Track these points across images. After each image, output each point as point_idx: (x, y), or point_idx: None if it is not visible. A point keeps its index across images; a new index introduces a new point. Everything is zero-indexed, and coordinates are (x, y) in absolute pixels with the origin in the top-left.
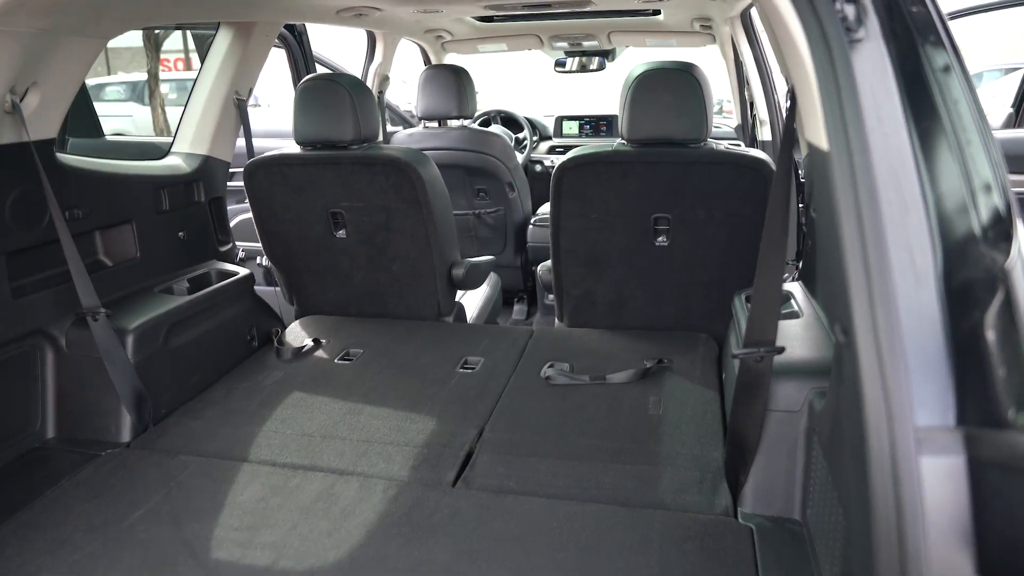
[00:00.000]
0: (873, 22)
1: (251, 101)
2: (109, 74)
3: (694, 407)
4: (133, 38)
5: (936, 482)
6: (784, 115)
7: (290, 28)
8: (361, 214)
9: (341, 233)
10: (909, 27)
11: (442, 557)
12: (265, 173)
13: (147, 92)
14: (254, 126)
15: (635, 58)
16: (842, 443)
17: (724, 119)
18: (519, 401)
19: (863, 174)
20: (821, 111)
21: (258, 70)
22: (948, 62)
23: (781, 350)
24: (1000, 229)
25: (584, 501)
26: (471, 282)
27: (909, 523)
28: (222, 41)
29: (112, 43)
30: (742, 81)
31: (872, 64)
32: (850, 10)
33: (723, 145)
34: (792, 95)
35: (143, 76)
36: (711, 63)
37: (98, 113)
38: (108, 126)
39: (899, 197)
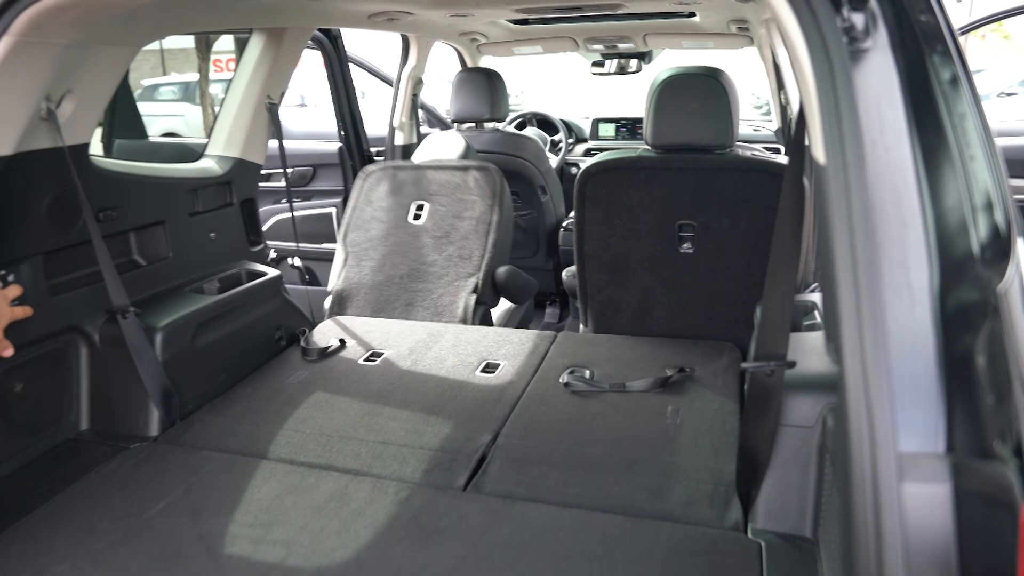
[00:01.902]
0: (882, 32)
1: (298, 101)
2: (164, 74)
3: (712, 418)
4: (186, 39)
5: (919, 510)
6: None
7: (325, 31)
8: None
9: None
10: (917, 37)
11: (446, 561)
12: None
13: (198, 92)
14: (300, 127)
15: (673, 60)
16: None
17: (766, 121)
18: (536, 407)
19: (858, 189)
20: (819, 124)
21: (289, 74)
22: (955, 74)
23: (792, 364)
24: (998, 248)
25: (592, 510)
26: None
27: (889, 550)
28: (254, 46)
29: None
30: (781, 84)
31: (878, 75)
32: (858, 19)
33: (757, 148)
34: (801, 106)
35: (195, 77)
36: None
37: (151, 113)
38: (161, 125)
39: (898, 213)
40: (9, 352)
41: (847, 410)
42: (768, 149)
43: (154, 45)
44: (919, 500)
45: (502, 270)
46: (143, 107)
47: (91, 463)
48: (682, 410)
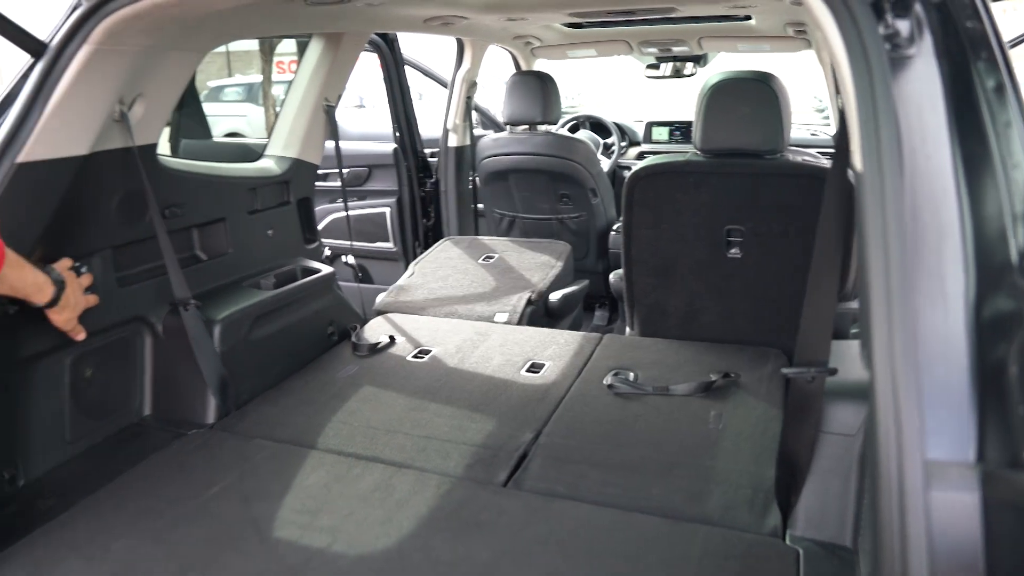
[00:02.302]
0: (927, 38)
1: (357, 102)
2: (230, 76)
3: (755, 423)
4: (251, 42)
5: (947, 518)
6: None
7: (382, 35)
8: None
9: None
10: (963, 44)
11: (483, 555)
12: None
13: (261, 93)
14: (357, 128)
15: (728, 63)
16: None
17: (825, 125)
18: (579, 407)
19: (893, 197)
20: (858, 131)
21: (346, 78)
22: (1001, 82)
23: (833, 371)
24: None
25: (630, 511)
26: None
27: (914, 556)
28: (313, 50)
29: (232, 46)
30: (839, 88)
31: (921, 83)
32: (903, 26)
33: (811, 153)
34: (842, 113)
35: (259, 78)
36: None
37: (216, 113)
38: (225, 125)
39: (936, 222)
40: (82, 336)
41: (875, 415)
42: (824, 154)
43: (220, 48)
44: (946, 508)
45: (556, 296)
46: (209, 107)
47: (152, 447)
48: (725, 415)
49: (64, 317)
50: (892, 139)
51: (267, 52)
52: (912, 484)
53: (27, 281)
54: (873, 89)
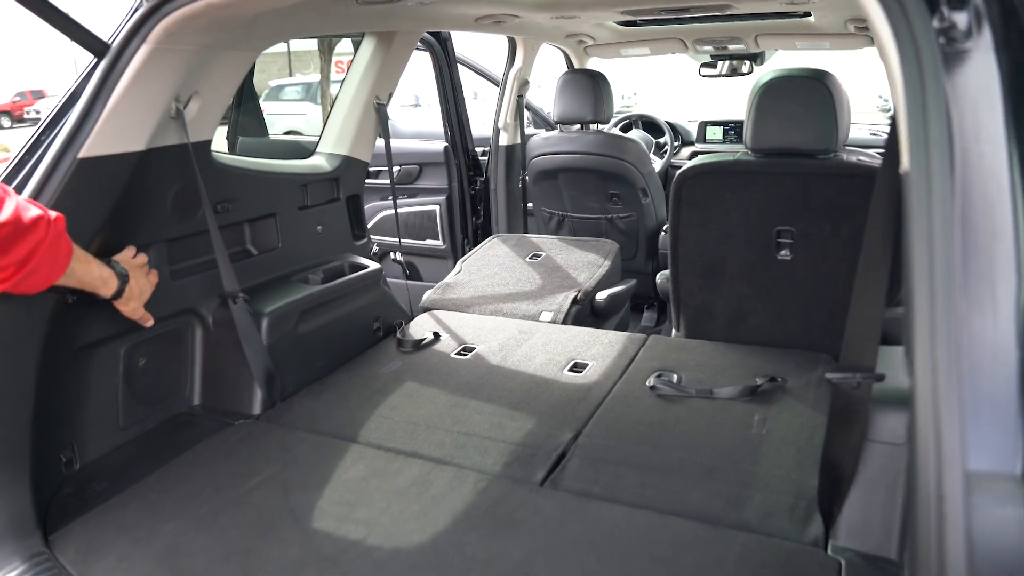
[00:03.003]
0: (986, 32)
1: (413, 101)
2: (290, 75)
3: (800, 430)
4: (311, 42)
5: (988, 532)
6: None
7: (435, 34)
8: None
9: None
10: None
11: (517, 553)
12: None
13: (319, 92)
14: (409, 126)
15: (787, 61)
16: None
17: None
18: (620, 408)
19: (941, 198)
20: (906, 129)
21: (398, 76)
22: None
23: (880, 377)
24: None
25: (667, 514)
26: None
27: (952, 572)
28: (366, 49)
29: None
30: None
31: (978, 78)
32: (960, 19)
33: (869, 153)
34: (894, 112)
35: (317, 77)
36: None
37: (276, 112)
38: (285, 123)
39: (988, 224)
40: (150, 323)
41: (915, 423)
42: (881, 154)
43: (282, 47)
44: (989, 522)
45: (603, 295)
46: (269, 106)
47: (200, 435)
48: (769, 420)
49: (131, 307)
50: (942, 136)
51: (326, 52)
52: (952, 496)
53: (93, 275)
54: (923, 84)
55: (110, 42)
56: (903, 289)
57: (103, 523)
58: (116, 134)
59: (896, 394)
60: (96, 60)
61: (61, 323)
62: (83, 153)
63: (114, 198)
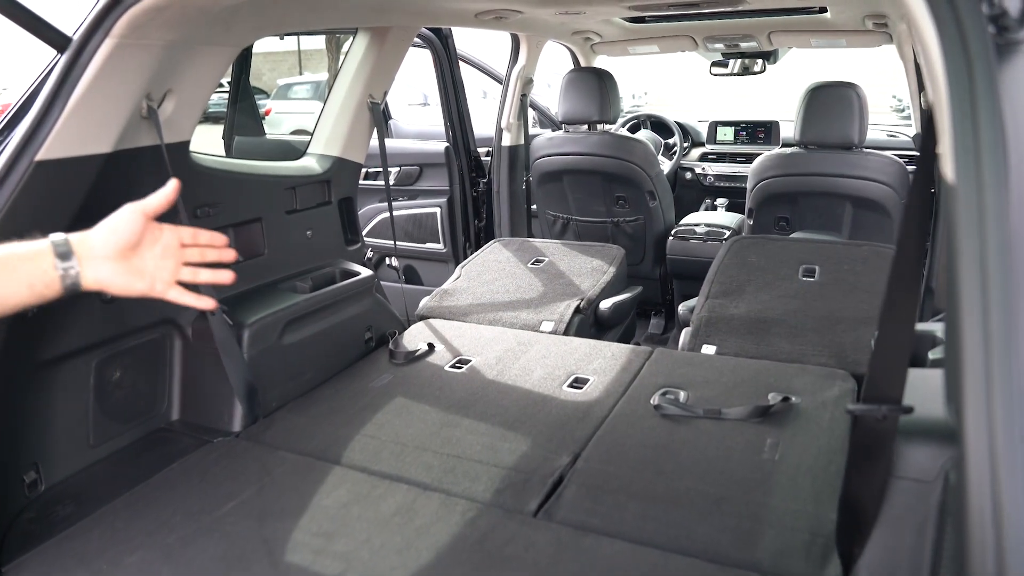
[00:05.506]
0: None
1: (421, 100)
2: (300, 74)
3: (816, 456)
4: (320, 40)
5: None
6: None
7: (436, 31)
8: None
9: None
10: None
11: None
12: None
13: (327, 91)
14: (412, 126)
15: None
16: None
17: (905, 126)
18: (622, 429)
19: (995, 213)
20: (950, 135)
21: (393, 74)
22: None
23: (909, 410)
24: None
25: (670, 551)
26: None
27: None
28: (359, 45)
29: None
30: (922, 85)
31: None
32: (1013, 4)
33: (888, 157)
34: (929, 116)
35: (326, 76)
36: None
37: (283, 111)
38: (292, 122)
39: None
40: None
41: (965, 460)
42: (901, 157)
43: (292, 46)
44: None
45: (607, 304)
46: (277, 105)
47: (176, 454)
48: (782, 444)
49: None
50: (995, 143)
51: (334, 49)
52: (1015, 543)
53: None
54: (972, 81)
55: (72, 36)
56: (947, 314)
57: (62, 553)
58: (78, 135)
59: (923, 425)
60: (57, 56)
61: (18, 337)
62: (41, 155)
63: (77, 204)
